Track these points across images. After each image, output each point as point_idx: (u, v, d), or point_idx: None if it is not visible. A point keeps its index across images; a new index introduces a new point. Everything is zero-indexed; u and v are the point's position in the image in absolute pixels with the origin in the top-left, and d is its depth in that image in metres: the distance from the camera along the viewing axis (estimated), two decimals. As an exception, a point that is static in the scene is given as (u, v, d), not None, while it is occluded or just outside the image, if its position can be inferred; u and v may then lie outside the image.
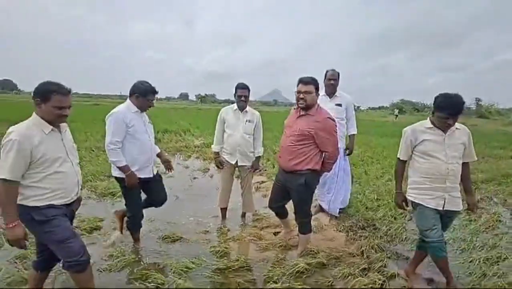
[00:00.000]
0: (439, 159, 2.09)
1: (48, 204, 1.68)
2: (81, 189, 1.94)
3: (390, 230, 3.18)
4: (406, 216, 3.66)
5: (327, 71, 3.45)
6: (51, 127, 1.70)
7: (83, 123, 10.97)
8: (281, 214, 2.84)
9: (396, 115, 35.30)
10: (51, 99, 1.66)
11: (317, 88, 2.42)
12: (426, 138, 2.12)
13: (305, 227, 2.62)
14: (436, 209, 2.12)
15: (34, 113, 1.70)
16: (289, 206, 2.74)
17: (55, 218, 1.69)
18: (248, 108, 3.20)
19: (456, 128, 2.11)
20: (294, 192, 2.53)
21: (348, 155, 3.62)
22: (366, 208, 3.82)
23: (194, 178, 5.21)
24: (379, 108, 72.23)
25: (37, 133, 1.64)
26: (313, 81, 2.40)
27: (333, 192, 3.47)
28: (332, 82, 3.41)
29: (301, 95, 2.36)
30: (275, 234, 2.98)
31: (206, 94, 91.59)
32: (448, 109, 2.00)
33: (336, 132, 2.44)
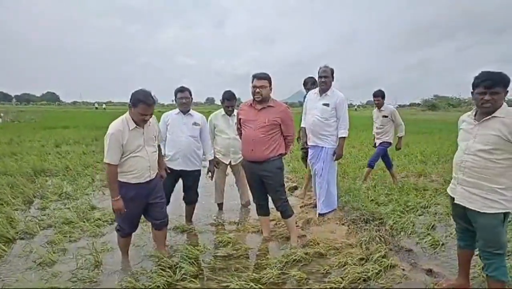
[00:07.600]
0: (460, 149, 1.89)
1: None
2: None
3: (396, 224, 3.17)
4: (417, 211, 3.59)
5: (320, 68, 3.30)
6: (135, 125, 2.17)
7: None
8: (266, 210, 2.89)
9: None
10: (138, 107, 2.11)
11: (271, 84, 2.60)
12: (462, 128, 1.93)
13: (287, 210, 2.76)
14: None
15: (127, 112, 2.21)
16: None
17: None
18: (235, 112, 3.40)
19: (496, 116, 1.72)
20: (271, 177, 2.65)
21: (336, 160, 3.36)
22: (376, 203, 3.80)
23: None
24: (409, 105, 68.33)
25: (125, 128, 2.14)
26: (267, 77, 2.57)
27: (318, 195, 3.44)
28: (323, 79, 3.25)
29: (257, 90, 2.55)
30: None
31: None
32: (484, 80, 1.71)
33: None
